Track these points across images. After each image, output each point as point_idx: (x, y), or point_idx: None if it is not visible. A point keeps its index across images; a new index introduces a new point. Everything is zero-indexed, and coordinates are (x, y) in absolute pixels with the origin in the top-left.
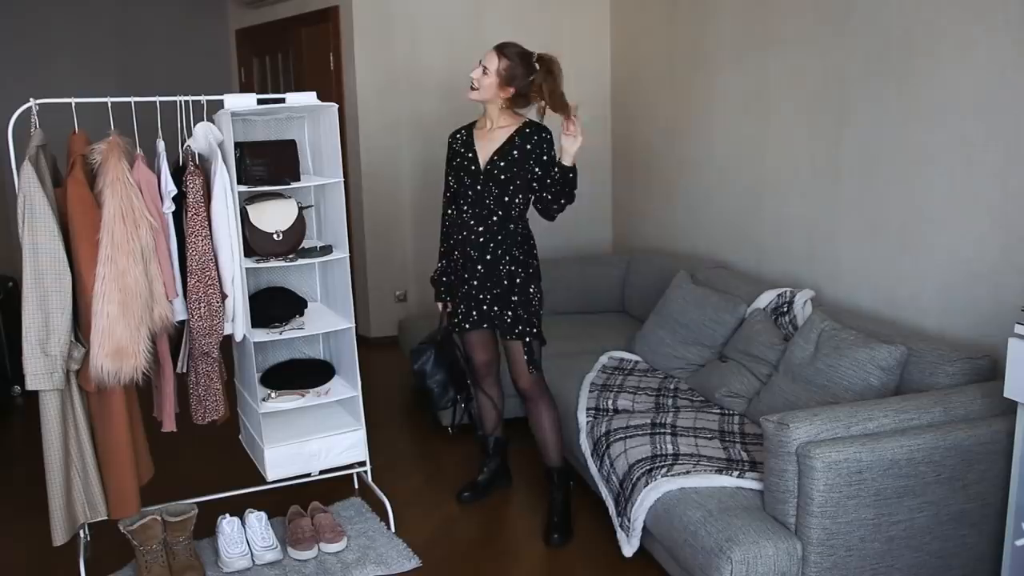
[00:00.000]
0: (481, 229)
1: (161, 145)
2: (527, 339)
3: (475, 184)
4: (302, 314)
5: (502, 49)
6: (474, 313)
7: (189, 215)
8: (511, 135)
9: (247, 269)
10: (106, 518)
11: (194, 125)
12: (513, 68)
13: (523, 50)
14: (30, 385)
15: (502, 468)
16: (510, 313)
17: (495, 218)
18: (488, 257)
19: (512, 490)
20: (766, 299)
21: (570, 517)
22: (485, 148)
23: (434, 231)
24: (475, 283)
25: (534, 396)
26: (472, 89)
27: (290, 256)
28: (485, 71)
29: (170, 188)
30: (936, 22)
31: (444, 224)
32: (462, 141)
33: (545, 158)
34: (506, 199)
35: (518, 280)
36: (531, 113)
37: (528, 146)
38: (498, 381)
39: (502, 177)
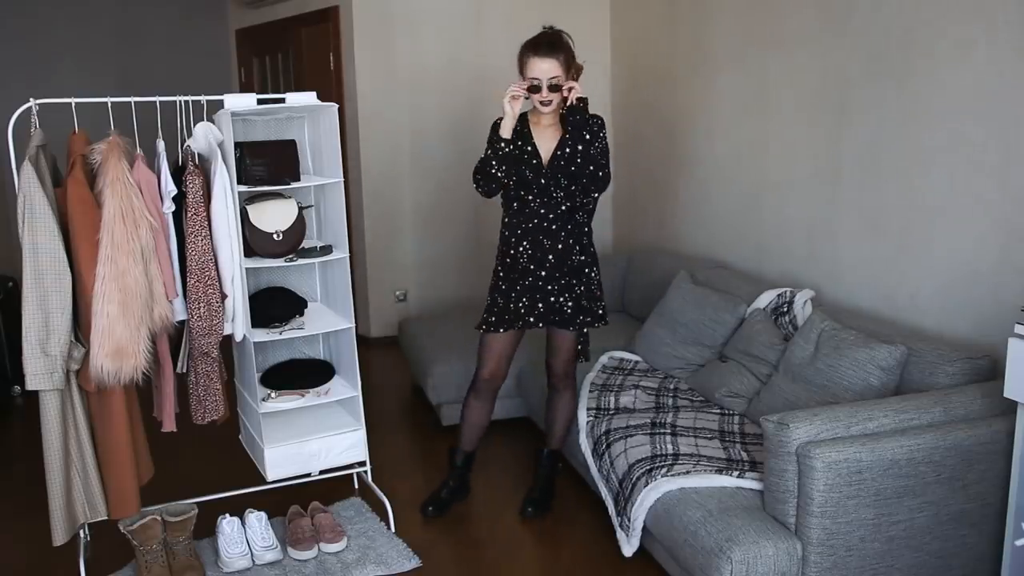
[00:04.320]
0: (552, 217)
1: (161, 145)
2: (585, 329)
3: (539, 178)
4: (302, 314)
5: (552, 51)
6: (540, 306)
7: (189, 215)
8: (563, 127)
9: (247, 269)
10: (106, 518)
11: (194, 125)
12: (567, 54)
13: (550, 30)
14: (30, 385)
15: (465, 482)
16: (571, 304)
17: (564, 207)
18: (560, 247)
19: (513, 491)
20: (766, 299)
21: (550, 496)
22: (546, 143)
23: (434, 231)
24: (543, 274)
25: (566, 386)
26: (548, 104)
27: (290, 256)
28: (554, 87)
29: (170, 188)
30: (936, 22)
31: (508, 216)
32: (517, 132)
33: (600, 136)
34: (573, 188)
35: (585, 269)
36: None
37: (586, 134)
38: (495, 396)
39: (571, 168)
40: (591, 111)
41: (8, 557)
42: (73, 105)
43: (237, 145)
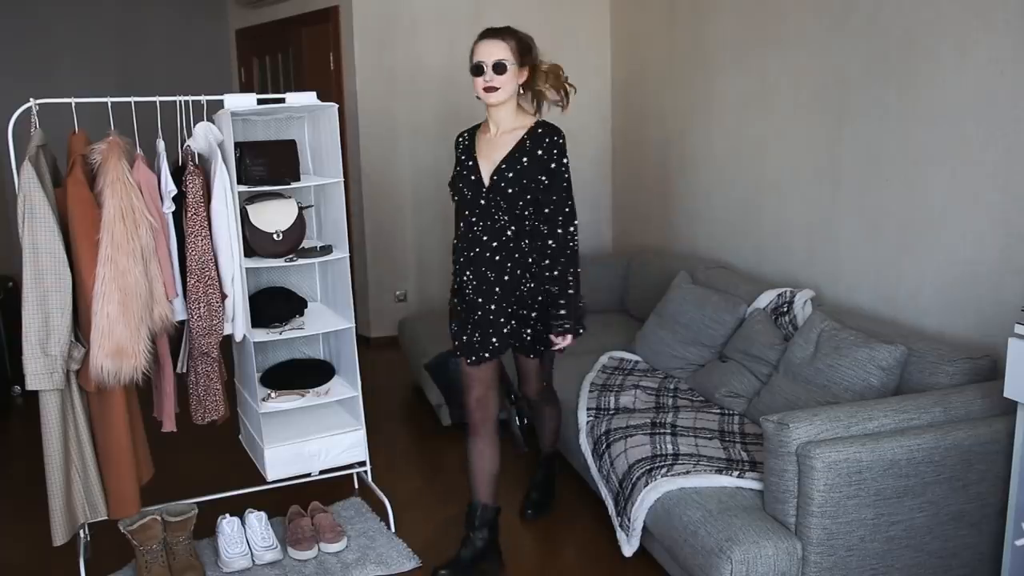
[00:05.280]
0: (496, 245)
1: (161, 145)
2: (544, 357)
3: (478, 198)
4: (302, 314)
5: (498, 33)
6: (494, 340)
7: (189, 215)
8: (522, 138)
9: (247, 269)
10: (106, 518)
11: (194, 125)
12: (520, 43)
13: (505, 26)
14: (30, 385)
15: (492, 544)
16: (530, 331)
17: (509, 233)
18: (507, 278)
19: (513, 491)
20: (766, 299)
21: (549, 497)
22: (490, 156)
23: (434, 231)
24: (492, 307)
25: (546, 400)
26: (492, 91)
27: (290, 256)
28: (499, 67)
29: (170, 188)
30: (936, 22)
31: (457, 239)
32: (464, 147)
33: (553, 166)
34: (516, 212)
35: (539, 297)
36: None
37: (539, 151)
38: (497, 429)
39: (510, 190)
40: (552, 130)
41: (8, 557)
42: (73, 105)
43: (237, 145)
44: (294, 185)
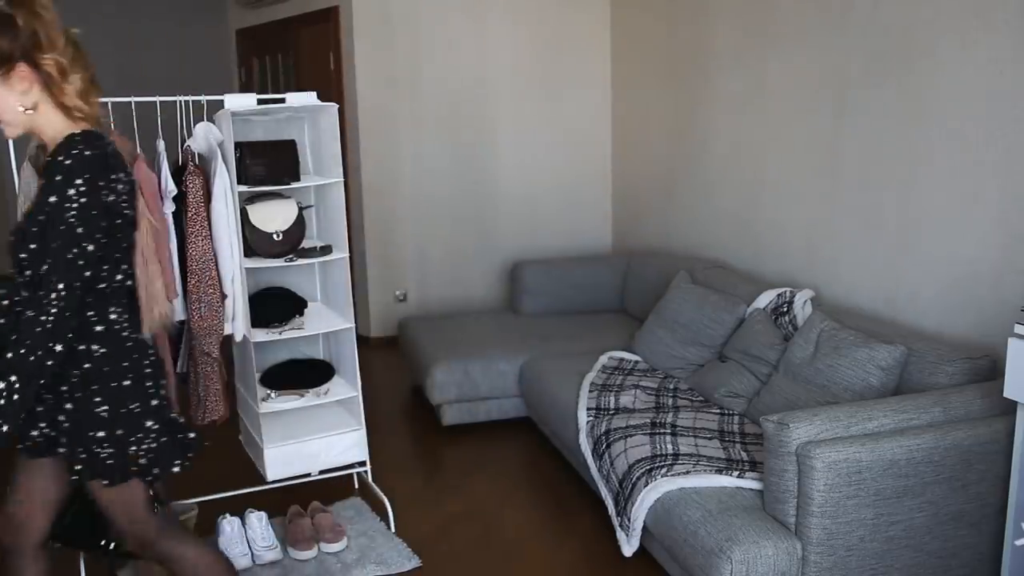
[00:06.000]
0: (16, 299)
1: (161, 145)
2: (104, 479)
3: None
4: (302, 314)
5: None
6: (32, 432)
7: (189, 215)
8: (46, 161)
9: (247, 269)
10: None
11: (194, 125)
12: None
13: None
14: None
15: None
16: (71, 430)
17: (26, 277)
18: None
19: (513, 491)
20: (766, 299)
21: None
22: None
23: (434, 231)
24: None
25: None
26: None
27: (290, 256)
28: None
29: (170, 188)
30: (936, 22)
31: None
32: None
33: (53, 199)
34: (23, 262)
35: (73, 391)
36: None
37: (43, 178)
38: (33, 557)
39: (24, 230)
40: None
41: None
42: None
43: (237, 145)
44: (294, 185)
